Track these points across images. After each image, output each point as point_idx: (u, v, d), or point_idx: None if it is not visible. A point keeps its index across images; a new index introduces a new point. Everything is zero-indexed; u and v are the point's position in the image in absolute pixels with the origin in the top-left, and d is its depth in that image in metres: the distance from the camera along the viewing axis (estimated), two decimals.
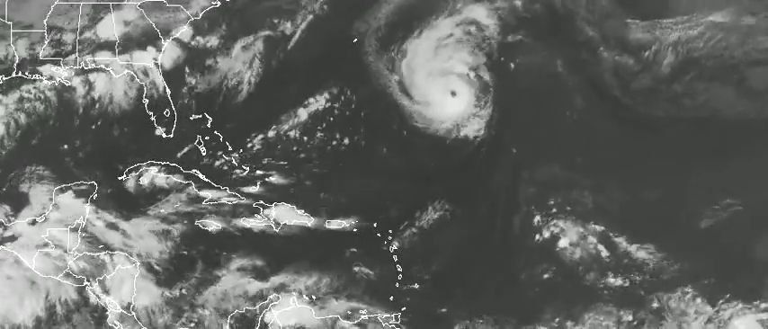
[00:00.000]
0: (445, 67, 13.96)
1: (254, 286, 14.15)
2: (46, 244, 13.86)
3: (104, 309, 14.05)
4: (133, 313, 14.06)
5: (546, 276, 13.95)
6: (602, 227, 13.88)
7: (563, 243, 13.94)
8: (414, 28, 13.90)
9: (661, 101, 13.71)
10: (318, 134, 14.02)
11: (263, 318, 14.09)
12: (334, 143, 14.02)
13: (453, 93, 14.00)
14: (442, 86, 14.02)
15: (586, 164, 13.92)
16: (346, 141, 14.02)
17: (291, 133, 14.00)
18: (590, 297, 13.90)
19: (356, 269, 14.15)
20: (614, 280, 13.84)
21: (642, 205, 13.91)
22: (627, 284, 13.82)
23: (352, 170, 14.09)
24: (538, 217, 13.98)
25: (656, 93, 13.68)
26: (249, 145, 13.98)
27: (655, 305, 13.74)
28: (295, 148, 14.02)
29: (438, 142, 14.06)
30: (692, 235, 13.82)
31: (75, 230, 13.85)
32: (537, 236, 13.98)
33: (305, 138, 14.01)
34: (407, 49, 13.96)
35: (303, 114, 13.98)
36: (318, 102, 13.98)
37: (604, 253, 13.86)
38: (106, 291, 14.05)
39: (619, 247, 13.88)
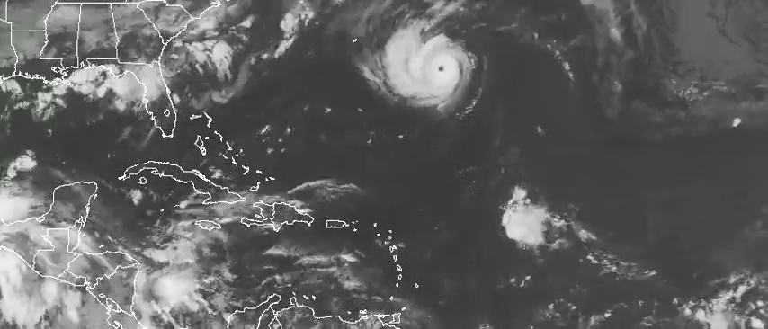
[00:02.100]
0: (432, 47, 13.95)
1: (254, 285, 14.16)
2: (45, 244, 13.85)
3: (103, 309, 14.04)
4: (132, 313, 14.06)
5: (536, 275, 14.07)
6: (593, 230, 14.01)
7: (556, 243, 14.03)
8: (403, 14, 13.90)
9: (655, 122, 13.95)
10: (318, 133, 14.04)
11: (262, 317, 14.12)
12: (333, 142, 14.04)
13: (440, 69, 13.99)
14: (431, 66, 14.00)
15: (584, 156, 14.05)
16: (345, 140, 14.05)
17: (290, 132, 14.02)
18: (587, 297, 14.03)
19: (356, 269, 14.17)
20: (603, 281, 13.98)
21: (640, 207, 14.02)
22: (614, 284, 13.98)
23: (351, 168, 14.11)
24: (535, 213, 14.07)
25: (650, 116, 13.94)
26: (248, 145, 13.99)
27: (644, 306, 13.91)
28: (294, 147, 14.04)
29: (434, 135, 14.09)
30: (685, 236, 13.97)
31: (74, 230, 13.84)
32: (533, 233, 14.09)
33: (304, 138, 14.03)
34: (397, 37, 13.97)
35: (302, 113, 14.00)
36: (317, 101, 14.01)
37: (601, 254, 13.98)
38: (106, 291, 14.04)
39: (614, 250, 14.00)
